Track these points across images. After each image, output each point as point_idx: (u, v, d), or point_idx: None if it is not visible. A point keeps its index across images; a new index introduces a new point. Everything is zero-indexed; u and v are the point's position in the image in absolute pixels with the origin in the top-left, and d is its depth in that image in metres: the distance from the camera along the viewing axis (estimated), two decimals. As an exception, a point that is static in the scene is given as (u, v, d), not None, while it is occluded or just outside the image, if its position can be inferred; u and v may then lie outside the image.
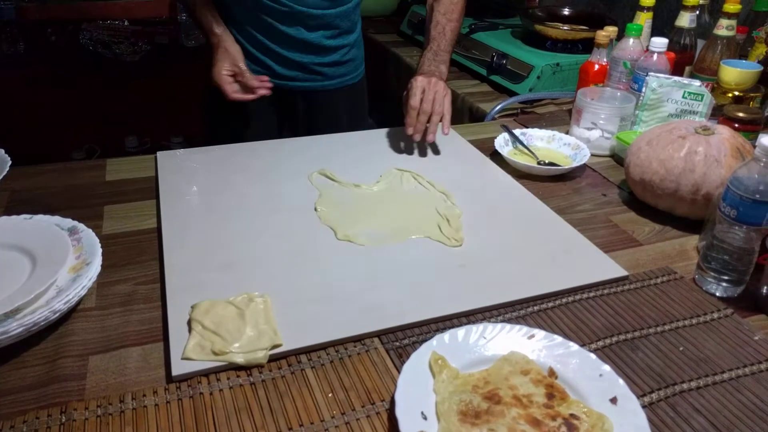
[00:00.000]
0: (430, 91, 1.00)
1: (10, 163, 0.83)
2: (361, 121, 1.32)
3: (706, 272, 0.73)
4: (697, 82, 1.03)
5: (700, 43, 1.24)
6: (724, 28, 1.16)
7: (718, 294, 0.73)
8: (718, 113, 1.04)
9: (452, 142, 1.12)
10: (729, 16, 1.14)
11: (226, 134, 1.12)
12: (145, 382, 0.58)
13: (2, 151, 0.85)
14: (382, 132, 1.16)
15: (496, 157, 1.05)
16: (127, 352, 0.61)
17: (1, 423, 0.52)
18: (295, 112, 1.22)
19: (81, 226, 0.74)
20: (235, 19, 1.12)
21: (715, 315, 0.69)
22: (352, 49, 1.23)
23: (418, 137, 1.01)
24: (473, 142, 1.12)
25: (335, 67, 1.20)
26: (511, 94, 1.46)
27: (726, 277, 0.72)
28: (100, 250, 0.70)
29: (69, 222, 0.75)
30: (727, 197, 0.70)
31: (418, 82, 1.01)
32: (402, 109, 1.04)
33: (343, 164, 1.00)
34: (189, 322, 0.63)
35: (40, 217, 0.75)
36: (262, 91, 1.04)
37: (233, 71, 1.04)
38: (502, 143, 1.07)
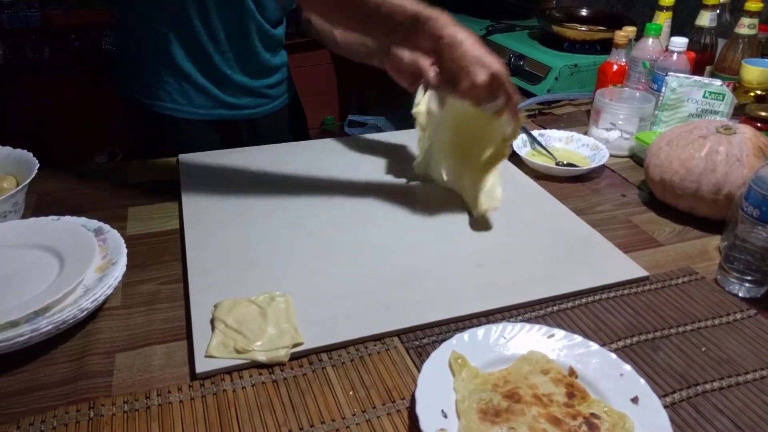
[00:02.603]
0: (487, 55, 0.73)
1: (38, 165, 0.84)
2: (302, 134, 1.28)
3: (728, 272, 0.73)
4: (718, 82, 1.02)
5: (721, 42, 1.23)
6: (745, 26, 1.15)
7: (740, 294, 0.72)
8: (739, 113, 1.03)
9: (470, 143, 1.13)
10: (751, 14, 1.13)
11: None
12: (170, 379, 0.59)
13: (30, 154, 0.87)
14: (404, 133, 1.17)
15: (514, 158, 1.05)
16: (152, 349, 0.62)
17: (32, 417, 0.54)
18: (241, 143, 1.14)
19: (106, 227, 0.76)
20: (177, 50, 1.03)
21: (738, 315, 0.69)
22: (286, 66, 1.21)
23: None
24: (491, 144, 1.11)
25: (278, 86, 1.16)
26: (529, 95, 1.46)
27: (749, 278, 0.71)
28: (125, 251, 0.71)
29: (95, 223, 0.76)
30: (749, 196, 0.69)
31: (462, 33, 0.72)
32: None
33: (370, 164, 1.01)
34: (212, 321, 0.64)
35: (66, 218, 0.77)
36: None
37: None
38: (520, 144, 1.07)
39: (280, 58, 1.17)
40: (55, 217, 0.77)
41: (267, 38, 1.07)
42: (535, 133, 1.10)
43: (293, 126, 1.23)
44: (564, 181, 0.99)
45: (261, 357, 0.60)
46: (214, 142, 1.11)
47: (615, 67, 1.19)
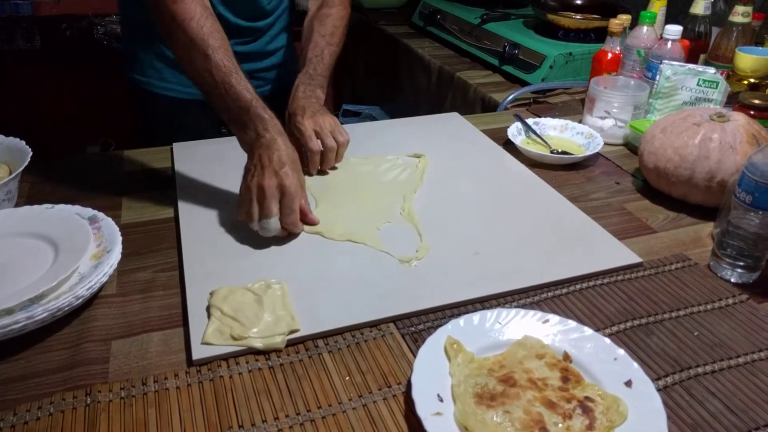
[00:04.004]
0: (323, 133, 0.92)
1: (30, 153, 0.84)
2: None
3: (721, 258, 0.73)
4: (711, 70, 1.02)
5: (715, 30, 1.24)
6: (739, 14, 1.15)
7: (733, 280, 0.73)
8: (733, 101, 1.03)
9: (465, 131, 1.13)
10: (745, 2, 1.14)
11: None
12: (167, 365, 0.59)
13: (23, 142, 0.86)
14: (397, 122, 1.17)
15: (509, 146, 1.05)
16: (149, 337, 0.62)
17: (29, 404, 0.54)
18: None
19: (101, 215, 0.75)
20: (160, 39, 0.99)
21: (730, 301, 0.69)
22: (285, 48, 1.21)
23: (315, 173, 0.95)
24: (486, 132, 1.12)
25: (273, 70, 1.17)
26: (524, 84, 1.46)
27: (741, 263, 0.72)
28: (120, 238, 0.71)
29: (89, 211, 0.76)
30: (742, 183, 0.69)
31: (307, 126, 0.92)
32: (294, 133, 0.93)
33: (365, 153, 1.01)
34: (208, 308, 0.64)
35: (61, 206, 0.77)
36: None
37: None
38: (515, 132, 1.07)
39: (276, 43, 1.16)
40: (49, 206, 0.77)
41: (249, 31, 1.07)
42: (529, 121, 1.10)
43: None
44: (559, 169, 1.00)
45: (257, 343, 0.60)
46: (212, 122, 1.10)
47: (609, 55, 1.19)
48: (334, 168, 0.97)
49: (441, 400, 0.53)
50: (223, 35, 0.80)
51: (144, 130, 1.17)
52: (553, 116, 1.15)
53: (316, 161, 0.93)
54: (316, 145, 0.92)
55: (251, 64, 1.13)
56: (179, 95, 1.11)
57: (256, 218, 0.74)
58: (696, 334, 0.64)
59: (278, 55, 1.18)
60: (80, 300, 0.63)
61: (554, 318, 0.63)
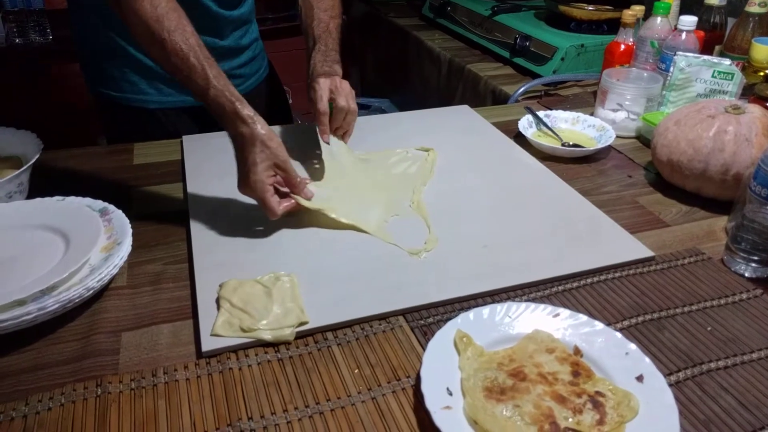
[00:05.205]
0: (339, 93, 0.91)
1: (42, 146, 0.84)
2: (282, 112, 1.27)
3: (735, 253, 0.72)
4: (727, 61, 1.01)
5: (730, 21, 1.21)
6: (756, 4, 1.13)
7: (747, 275, 0.72)
8: (748, 93, 1.02)
9: (475, 124, 1.12)
10: (761, -8, 1.11)
11: None
12: (176, 357, 0.59)
13: (34, 135, 0.87)
14: (406, 115, 1.16)
15: (520, 139, 1.04)
16: (158, 328, 0.63)
17: (40, 394, 0.54)
18: (219, 127, 1.07)
19: (111, 207, 0.76)
20: (133, 43, 0.95)
21: (744, 295, 0.68)
22: (258, 40, 1.18)
23: (328, 138, 0.93)
24: (497, 125, 1.11)
25: (250, 64, 1.13)
26: (535, 76, 1.45)
27: (756, 258, 0.71)
28: (130, 231, 0.71)
29: (100, 203, 0.76)
30: (758, 176, 0.68)
31: (322, 84, 0.90)
32: (312, 107, 0.92)
33: (374, 145, 1.00)
34: (217, 300, 0.65)
35: (71, 198, 0.77)
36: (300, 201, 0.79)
37: (275, 175, 0.76)
38: (526, 125, 1.06)
39: (250, 35, 1.13)
40: (60, 198, 0.77)
41: (225, 23, 1.04)
42: (541, 114, 1.09)
43: (270, 103, 1.19)
44: (570, 162, 0.99)
45: (266, 336, 0.60)
46: (191, 129, 1.07)
47: (622, 47, 1.17)
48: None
49: (450, 394, 0.53)
50: (180, 13, 0.75)
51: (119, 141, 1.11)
52: (565, 109, 1.13)
53: (325, 122, 0.91)
54: (323, 105, 0.90)
55: (230, 62, 1.08)
56: (163, 105, 1.07)
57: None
58: (709, 329, 0.63)
59: (253, 48, 1.15)
60: (91, 292, 0.63)
61: (565, 312, 0.62)
